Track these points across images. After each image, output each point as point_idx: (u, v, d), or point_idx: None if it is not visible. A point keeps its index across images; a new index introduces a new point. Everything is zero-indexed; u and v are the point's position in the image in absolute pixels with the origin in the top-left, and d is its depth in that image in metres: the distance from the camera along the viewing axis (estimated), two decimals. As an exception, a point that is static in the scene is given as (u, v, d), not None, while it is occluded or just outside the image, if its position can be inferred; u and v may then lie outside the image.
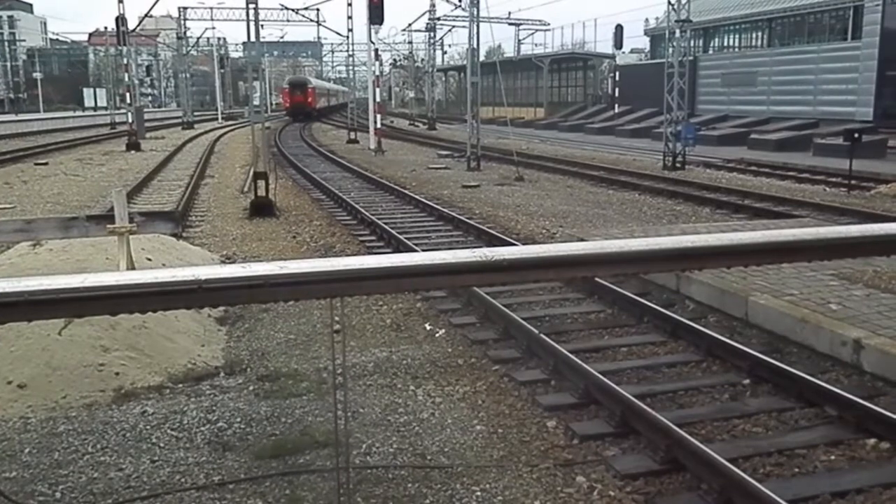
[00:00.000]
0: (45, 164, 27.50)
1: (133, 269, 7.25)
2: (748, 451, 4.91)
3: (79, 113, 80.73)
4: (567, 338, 7.34)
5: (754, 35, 45.06)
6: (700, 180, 21.03)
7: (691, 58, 32.01)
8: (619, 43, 53.71)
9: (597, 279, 8.36)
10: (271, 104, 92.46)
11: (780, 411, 5.56)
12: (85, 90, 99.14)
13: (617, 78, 54.59)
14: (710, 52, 47.57)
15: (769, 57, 40.66)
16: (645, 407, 5.26)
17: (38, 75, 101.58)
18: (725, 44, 47.57)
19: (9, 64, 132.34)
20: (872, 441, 5.02)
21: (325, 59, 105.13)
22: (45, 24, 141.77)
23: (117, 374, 6.08)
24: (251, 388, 6.14)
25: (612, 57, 59.82)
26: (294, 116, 64.46)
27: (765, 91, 40.06)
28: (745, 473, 4.38)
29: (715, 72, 44.12)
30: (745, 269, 7.89)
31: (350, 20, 39.73)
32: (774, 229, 1.79)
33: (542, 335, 6.93)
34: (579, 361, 6.20)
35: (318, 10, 51.95)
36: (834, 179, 20.84)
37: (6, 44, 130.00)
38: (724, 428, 5.34)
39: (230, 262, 10.15)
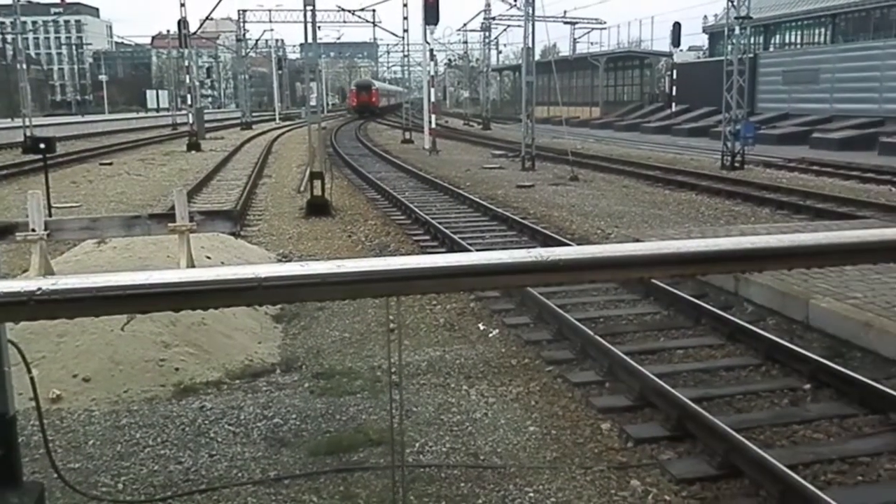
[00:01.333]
0: (110, 164, 28.27)
1: (193, 266, 7.41)
2: (809, 458, 4.80)
3: (142, 114, 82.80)
4: (622, 339, 7.27)
5: (817, 31, 43.99)
6: (760, 180, 20.61)
7: (751, 55, 31.38)
8: (676, 41, 52.92)
9: (652, 280, 8.26)
10: (328, 105, 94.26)
11: (842, 417, 5.42)
12: (148, 92, 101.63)
13: (674, 76, 53.82)
14: (771, 49, 46.56)
15: (832, 54, 39.60)
16: (702, 411, 5.18)
17: (103, 77, 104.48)
18: (787, 41, 46.52)
19: (76, 67, 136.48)
20: (940, 450, 4.86)
21: (380, 59, 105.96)
22: (110, 27, 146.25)
23: (177, 369, 6.22)
24: (306, 385, 6.22)
25: (670, 55, 58.98)
26: (360, 113, 70.61)
27: (828, 89, 39.01)
28: (806, 480, 4.28)
29: (776, 69, 43.13)
30: (807, 270, 7.72)
31: (405, 21, 39.96)
32: (837, 230, 1.74)
33: (596, 336, 6.87)
34: (634, 363, 6.14)
35: (374, 11, 52.51)
36: (901, 179, 20.22)
37: (74, 47, 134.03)
38: (783, 433, 5.22)
39: (287, 261, 10.30)
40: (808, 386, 5.99)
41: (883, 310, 7.05)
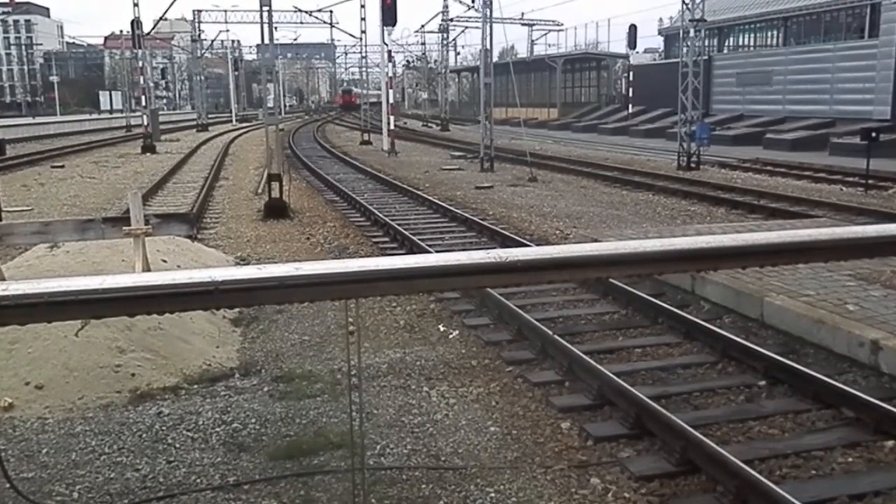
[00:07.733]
0: (62, 166, 27.70)
1: (149, 270, 7.29)
2: (764, 453, 4.89)
3: (94, 116, 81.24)
4: (581, 339, 7.33)
5: (769, 34, 44.83)
6: (715, 180, 20.94)
7: (706, 57, 31.88)
8: (632, 43, 53.44)
9: (611, 280, 8.34)
10: (285, 106, 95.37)
11: (796, 413, 5.53)
12: (101, 93, 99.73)
13: (631, 78, 54.39)
14: (725, 51, 47.34)
15: (784, 56, 40.39)
16: (660, 408, 5.24)
17: (54, 78, 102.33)
18: (740, 43, 47.35)
19: (26, 67, 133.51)
20: (891, 443, 4.98)
21: (338, 60, 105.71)
22: (61, 27, 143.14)
23: (133, 375, 6.12)
24: (266, 389, 6.16)
25: (626, 57, 59.59)
26: (345, 110, 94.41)
27: (780, 90, 39.78)
28: (762, 475, 4.36)
29: (730, 71, 43.88)
30: (761, 269, 7.85)
31: (363, 22, 39.93)
32: (790, 229, 1.77)
33: (555, 336, 6.92)
34: (593, 362, 6.19)
35: (331, 11, 52.11)
36: (851, 179, 20.68)
37: (23, 47, 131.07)
38: (739, 430, 5.31)
39: (245, 264, 10.19)
40: (763, 382, 6.10)
41: (834, 307, 7.21)
